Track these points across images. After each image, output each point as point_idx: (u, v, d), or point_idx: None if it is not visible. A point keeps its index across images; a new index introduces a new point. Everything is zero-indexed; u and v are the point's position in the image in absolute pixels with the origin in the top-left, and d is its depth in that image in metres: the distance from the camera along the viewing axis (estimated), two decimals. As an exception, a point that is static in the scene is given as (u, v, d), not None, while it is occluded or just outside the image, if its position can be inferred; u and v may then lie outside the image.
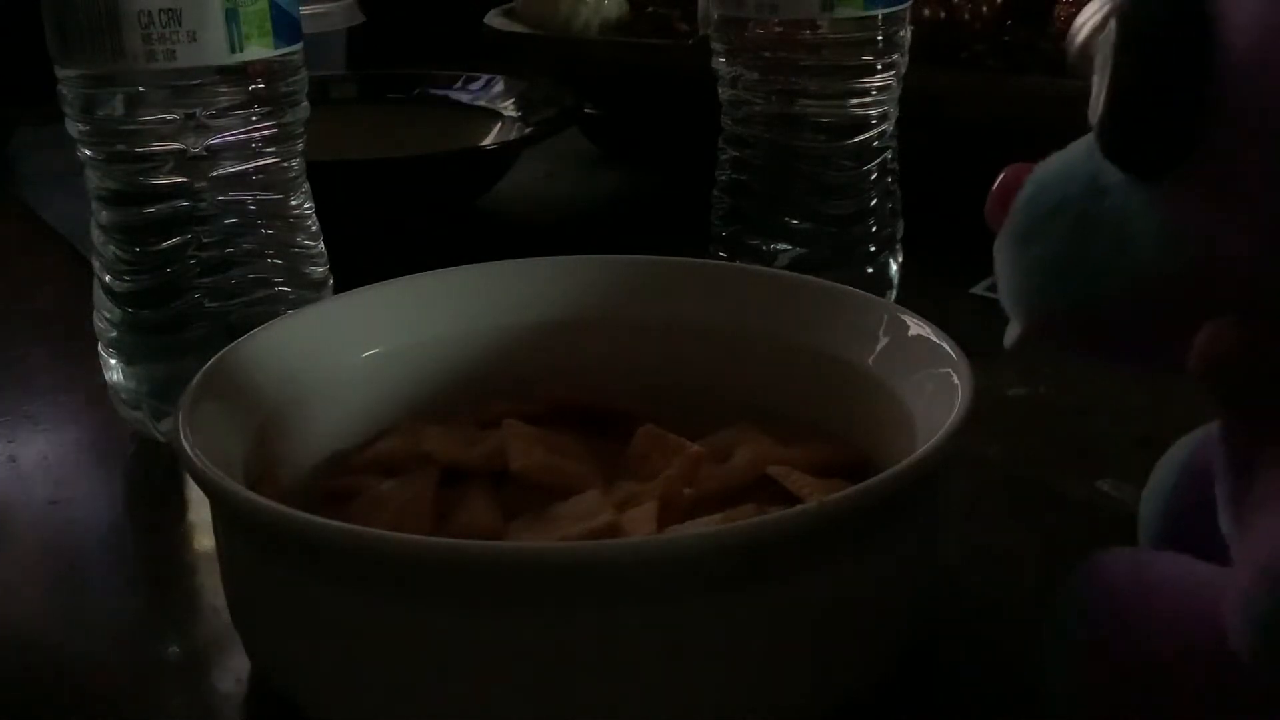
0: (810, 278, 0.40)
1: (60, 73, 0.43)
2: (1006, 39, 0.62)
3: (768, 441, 0.36)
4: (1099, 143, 0.25)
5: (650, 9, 0.78)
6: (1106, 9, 0.61)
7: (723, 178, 0.54)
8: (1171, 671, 0.25)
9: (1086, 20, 0.63)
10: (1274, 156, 0.22)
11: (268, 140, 0.44)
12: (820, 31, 0.49)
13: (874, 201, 0.52)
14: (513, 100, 0.77)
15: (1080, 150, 0.26)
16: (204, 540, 0.39)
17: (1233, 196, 0.23)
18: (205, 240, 0.43)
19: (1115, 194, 0.25)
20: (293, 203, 0.46)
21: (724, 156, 0.53)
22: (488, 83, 0.79)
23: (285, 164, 0.45)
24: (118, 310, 0.44)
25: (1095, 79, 0.25)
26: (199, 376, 0.34)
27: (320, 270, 0.47)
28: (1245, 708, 0.24)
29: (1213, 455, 0.27)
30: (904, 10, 0.50)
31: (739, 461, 0.35)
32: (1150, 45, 0.23)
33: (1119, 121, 0.24)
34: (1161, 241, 0.24)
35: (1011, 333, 0.28)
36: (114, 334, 0.45)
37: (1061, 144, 0.27)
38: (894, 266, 0.53)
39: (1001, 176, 0.27)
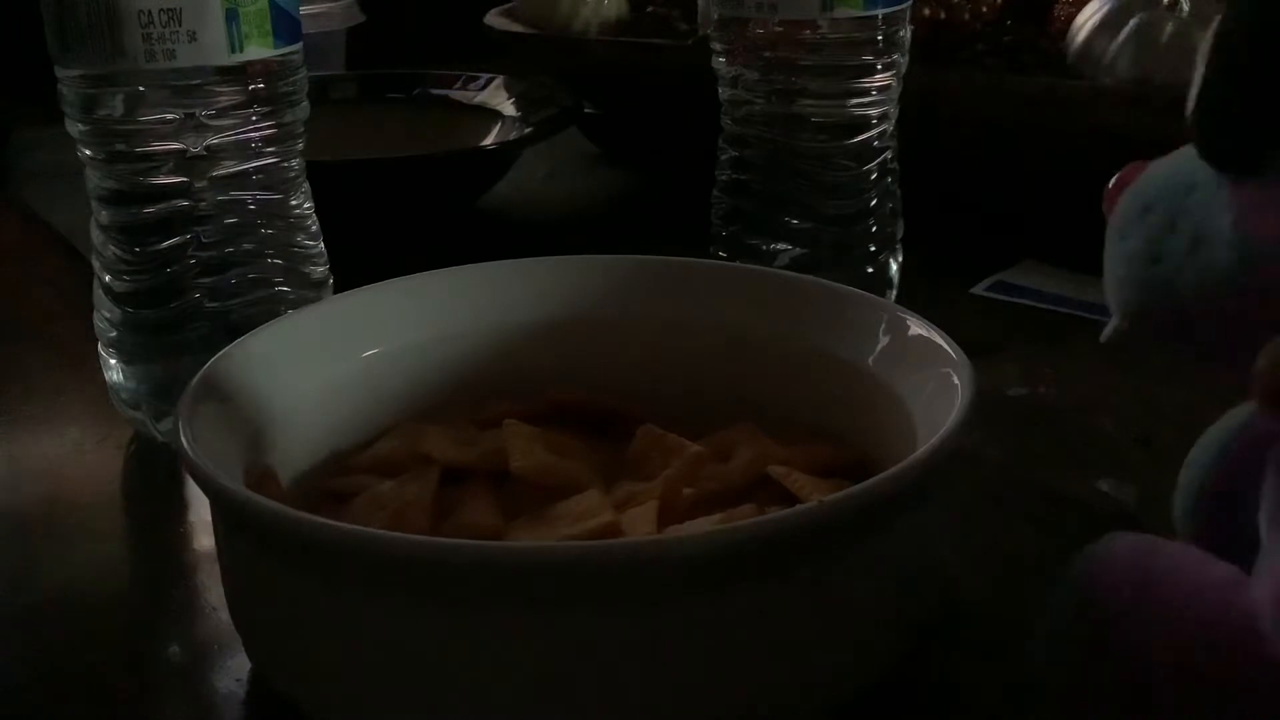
0: (810, 278, 0.40)
1: (60, 73, 0.43)
2: (1006, 39, 0.62)
3: (768, 441, 0.36)
4: (1192, 137, 0.25)
5: (650, 9, 0.78)
6: (1106, 9, 0.61)
7: (723, 178, 0.54)
8: (1165, 670, 0.25)
9: (1086, 20, 0.63)
10: None
11: (268, 140, 0.44)
12: (820, 31, 0.49)
13: (874, 201, 0.52)
14: (513, 100, 0.77)
15: (1188, 150, 0.26)
16: (204, 540, 0.40)
17: None
18: (205, 240, 0.43)
19: (1201, 191, 0.25)
20: (293, 203, 0.46)
21: (724, 156, 0.53)
22: (488, 83, 0.79)
23: (285, 164, 0.45)
24: (118, 310, 0.44)
25: (1195, 75, 0.25)
26: (199, 376, 0.34)
27: (320, 270, 0.47)
28: (1241, 712, 0.24)
29: (1251, 450, 0.27)
30: (904, 10, 0.50)
31: (739, 461, 0.35)
32: (1244, 40, 0.23)
33: (1205, 112, 0.24)
34: (1230, 243, 0.24)
35: (1108, 326, 0.28)
36: (114, 334, 0.45)
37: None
38: (894, 266, 0.53)
39: (1119, 174, 0.28)
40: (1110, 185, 0.28)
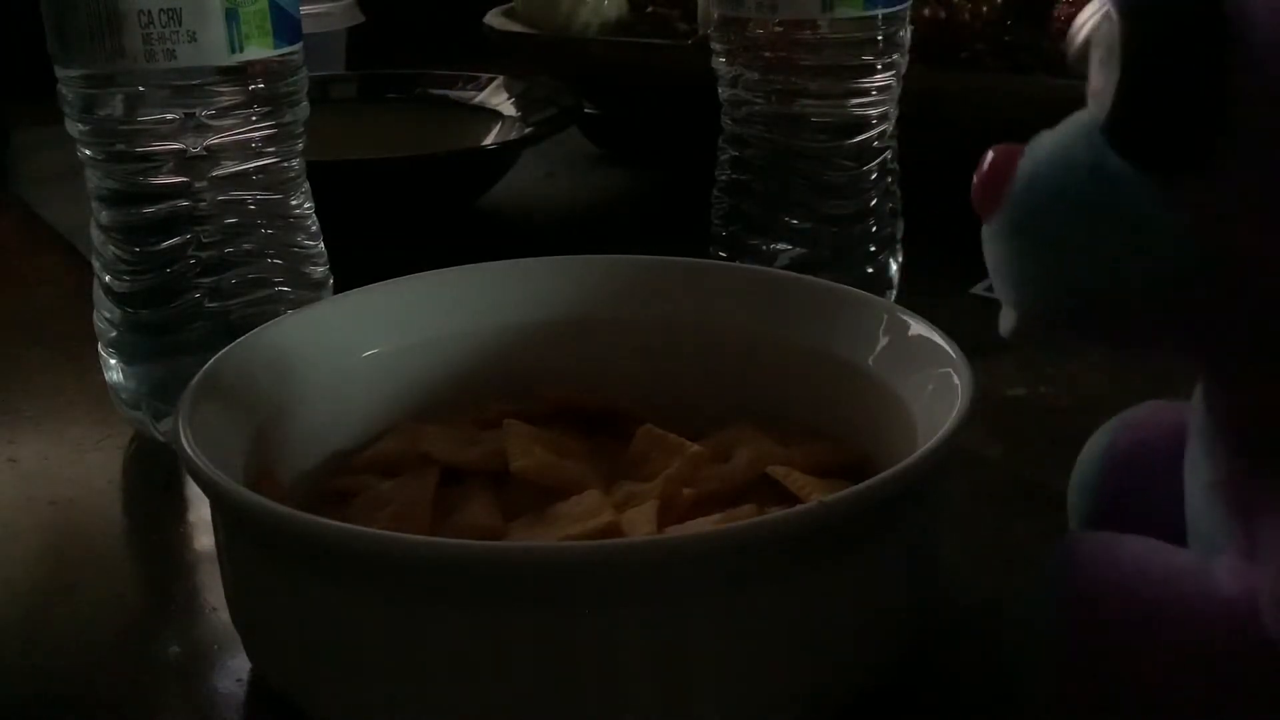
0: (810, 278, 0.40)
1: (60, 73, 0.43)
2: (1006, 39, 0.62)
3: (768, 441, 0.36)
4: (1111, 140, 0.24)
5: (650, 9, 0.78)
6: (1105, 8, 0.61)
7: (723, 178, 0.54)
8: (1163, 666, 0.25)
9: (1086, 20, 0.63)
10: None
11: (268, 140, 0.44)
12: (820, 31, 0.49)
13: (874, 201, 0.52)
14: (513, 100, 0.77)
15: (1075, 134, 0.25)
16: (204, 540, 0.39)
17: (1257, 195, 0.23)
18: (205, 240, 0.43)
19: (1127, 186, 0.24)
20: (293, 203, 0.46)
21: (724, 156, 0.53)
22: (488, 83, 0.79)
23: (285, 164, 0.45)
24: (118, 310, 0.44)
25: (1094, 73, 0.25)
26: (199, 376, 0.34)
27: (320, 270, 0.47)
28: (1229, 705, 0.24)
29: (1157, 439, 0.27)
30: (904, 10, 0.50)
31: (739, 461, 0.35)
32: (1165, 40, 0.23)
33: (1135, 119, 0.23)
34: (1180, 238, 0.24)
35: (1007, 321, 0.27)
36: (114, 334, 0.45)
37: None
38: (894, 266, 0.53)
39: (989, 160, 0.26)
40: (983, 174, 0.26)
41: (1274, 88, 0.22)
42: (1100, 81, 0.24)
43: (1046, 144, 0.26)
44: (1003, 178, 0.26)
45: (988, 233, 0.27)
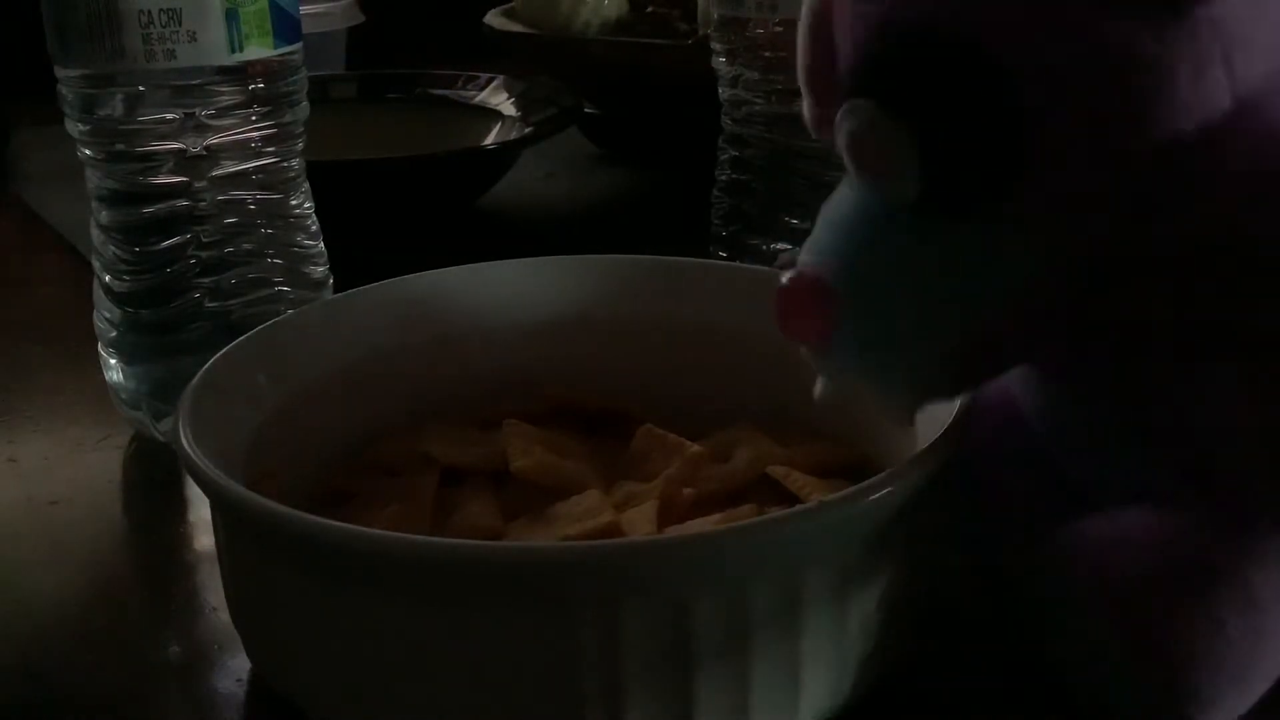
0: (810, 278, 0.40)
1: (60, 73, 0.43)
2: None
3: (768, 441, 0.36)
4: (932, 209, 0.25)
5: (650, 9, 0.78)
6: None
7: (723, 178, 0.54)
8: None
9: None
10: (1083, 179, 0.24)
11: (268, 140, 0.44)
12: (820, 31, 0.49)
13: (874, 201, 0.52)
14: (513, 100, 0.77)
15: (847, 215, 0.26)
16: (204, 540, 0.40)
17: (1057, 199, 0.24)
18: (205, 240, 0.43)
19: (957, 238, 0.25)
20: (293, 203, 0.46)
21: (724, 156, 0.53)
22: (488, 83, 0.79)
23: (285, 164, 0.45)
24: (118, 310, 0.44)
25: (842, 141, 0.25)
26: (199, 376, 0.34)
27: (320, 270, 0.47)
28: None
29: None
30: (904, 10, 0.50)
31: (739, 462, 0.35)
32: (947, 100, 0.23)
33: (943, 178, 0.24)
34: (1017, 256, 0.25)
35: (897, 407, 0.28)
36: (114, 334, 0.45)
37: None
38: (894, 266, 0.53)
39: (788, 286, 0.27)
40: (787, 301, 0.27)
41: (1055, 125, 0.23)
42: (863, 150, 0.25)
43: (821, 242, 0.26)
44: (812, 295, 0.26)
45: (826, 364, 0.27)
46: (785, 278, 0.26)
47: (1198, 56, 0.23)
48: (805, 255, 0.27)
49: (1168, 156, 0.24)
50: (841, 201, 0.27)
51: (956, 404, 0.30)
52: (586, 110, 0.78)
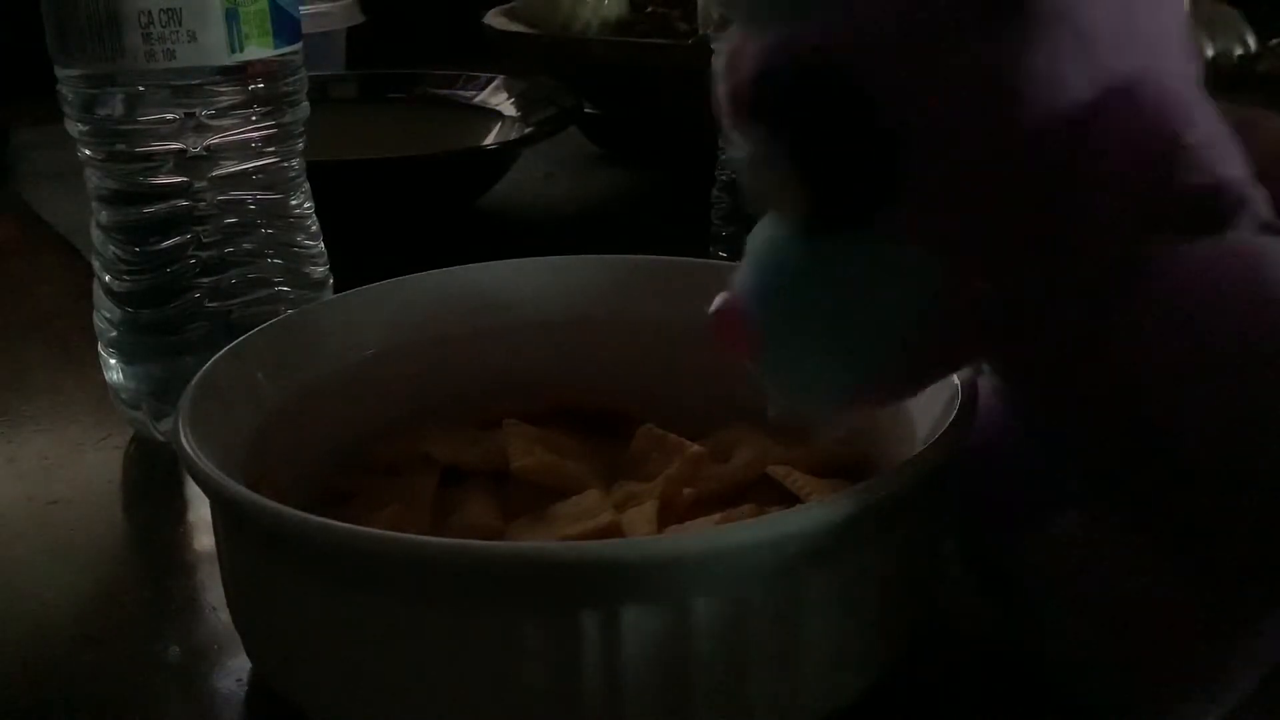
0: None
1: (60, 73, 0.43)
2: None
3: (767, 441, 0.36)
4: (830, 227, 0.26)
5: (650, 9, 0.78)
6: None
7: (723, 177, 0.54)
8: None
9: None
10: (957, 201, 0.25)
11: (268, 140, 0.44)
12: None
13: (874, 201, 0.52)
14: (513, 100, 0.77)
15: (762, 242, 0.28)
16: (204, 540, 0.40)
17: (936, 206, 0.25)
18: (205, 240, 0.43)
19: (842, 254, 0.26)
20: (293, 203, 0.46)
21: (724, 156, 0.53)
22: (488, 83, 0.79)
23: (285, 164, 0.45)
24: (118, 310, 0.44)
25: (750, 171, 0.27)
26: (199, 376, 0.34)
27: (320, 270, 0.47)
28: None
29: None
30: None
31: (739, 461, 0.35)
32: (821, 126, 0.25)
33: (825, 198, 0.26)
34: (919, 264, 0.26)
35: (828, 422, 0.29)
36: (114, 334, 0.45)
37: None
38: (894, 266, 0.53)
39: (713, 317, 0.29)
40: (719, 328, 0.28)
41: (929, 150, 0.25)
42: (767, 181, 0.26)
43: (759, 284, 0.28)
44: (737, 318, 0.28)
45: (763, 385, 0.29)
46: (713, 308, 0.28)
47: (1052, 53, 0.24)
48: (733, 283, 0.28)
49: (1038, 150, 0.24)
50: (760, 228, 0.28)
51: (957, 404, 0.30)
52: (586, 110, 0.78)
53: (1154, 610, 0.27)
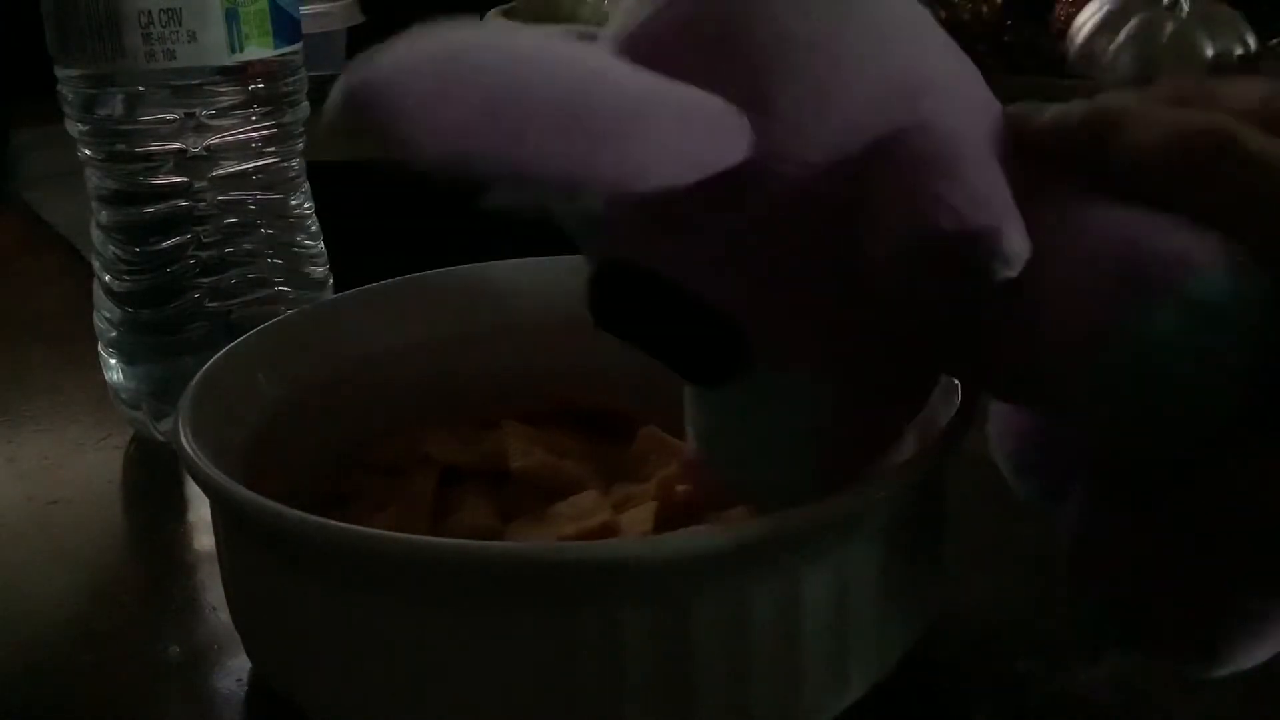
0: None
1: (60, 73, 0.43)
2: (1006, 39, 0.63)
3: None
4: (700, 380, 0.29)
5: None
6: (1106, 9, 0.62)
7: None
8: None
9: (1087, 20, 0.63)
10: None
11: (268, 140, 0.44)
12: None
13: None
14: (513, 100, 0.77)
15: (694, 401, 0.30)
16: (204, 540, 0.40)
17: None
18: (205, 240, 0.43)
19: (732, 400, 0.28)
20: (293, 203, 0.46)
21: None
22: (488, 83, 0.79)
23: (285, 164, 0.45)
24: (118, 310, 0.44)
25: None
26: (199, 376, 0.34)
27: (320, 270, 0.47)
28: None
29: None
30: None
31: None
32: (644, 318, 0.28)
33: (680, 369, 0.28)
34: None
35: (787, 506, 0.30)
36: (114, 334, 0.45)
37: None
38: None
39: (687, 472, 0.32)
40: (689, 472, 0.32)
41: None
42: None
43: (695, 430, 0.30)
44: (705, 477, 0.31)
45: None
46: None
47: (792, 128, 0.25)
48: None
49: (813, 227, 0.25)
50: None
51: (954, 405, 0.30)
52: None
53: (1157, 594, 0.26)
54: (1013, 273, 0.23)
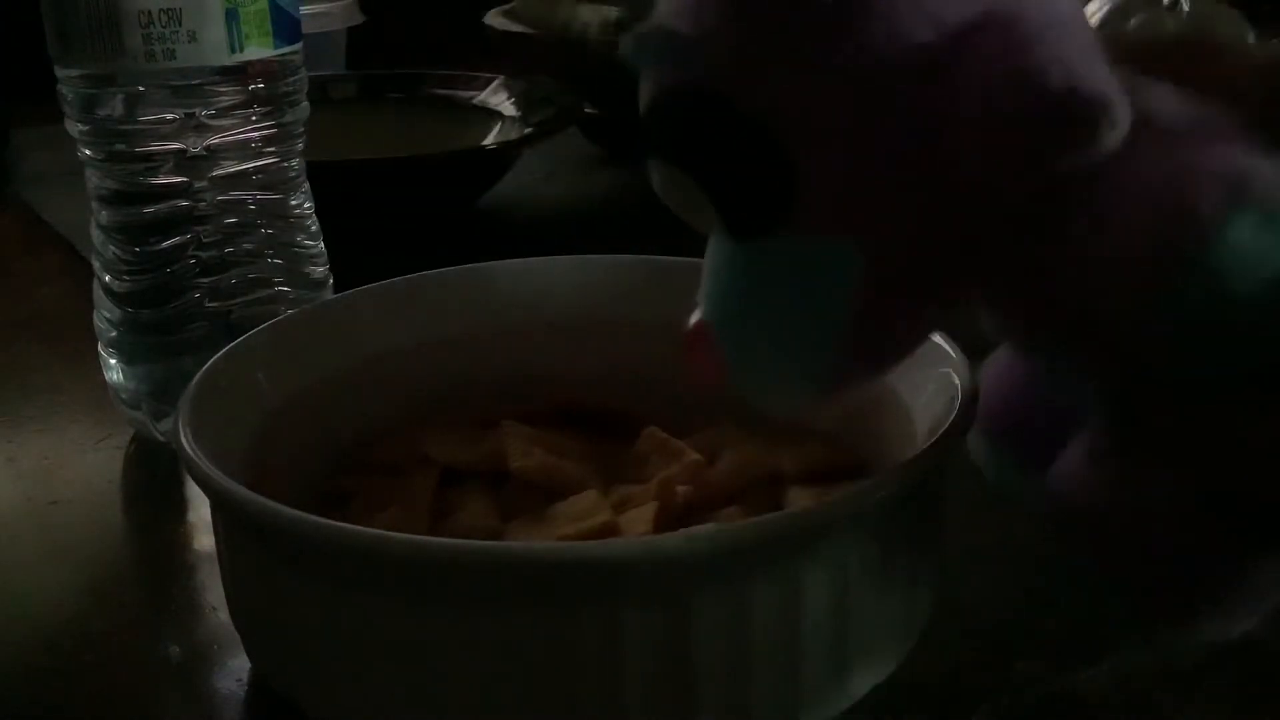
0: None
1: (60, 73, 0.43)
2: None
3: (752, 441, 0.36)
4: (723, 230, 0.28)
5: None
6: (1106, 9, 0.61)
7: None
8: None
9: (1087, 19, 0.63)
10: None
11: (268, 140, 0.44)
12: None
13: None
14: (513, 100, 0.77)
15: (709, 259, 0.29)
16: (204, 540, 0.40)
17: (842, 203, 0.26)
18: (205, 240, 0.43)
19: (767, 259, 0.27)
20: (293, 203, 0.46)
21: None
22: (488, 83, 0.79)
23: (285, 164, 0.45)
24: (118, 310, 0.44)
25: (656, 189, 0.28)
26: (199, 376, 0.34)
27: (320, 270, 0.47)
28: None
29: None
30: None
31: (731, 465, 0.35)
32: (711, 147, 0.27)
33: (728, 210, 0.27)
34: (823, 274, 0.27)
35: (803, 408, 0.29)
36: (114, 334, 0.45)
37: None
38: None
39: (686, 340, 0.30)
40: (690, 354, 0.30)
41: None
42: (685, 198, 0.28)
43: (711, 299, 0.29)
44: (708, 353, 0.29)
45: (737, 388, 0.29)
46: (685, 332, 0.30)
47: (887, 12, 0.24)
48: (698, 305, 0.29)
49: (906, 106, 0.25)
50: (711, 238, 0.29)
51: (957, 404, 0.30)
52: (586, 110, 0.78)
53: (1159, 527, 0.27)
54: (1115, 143, 0.23)
